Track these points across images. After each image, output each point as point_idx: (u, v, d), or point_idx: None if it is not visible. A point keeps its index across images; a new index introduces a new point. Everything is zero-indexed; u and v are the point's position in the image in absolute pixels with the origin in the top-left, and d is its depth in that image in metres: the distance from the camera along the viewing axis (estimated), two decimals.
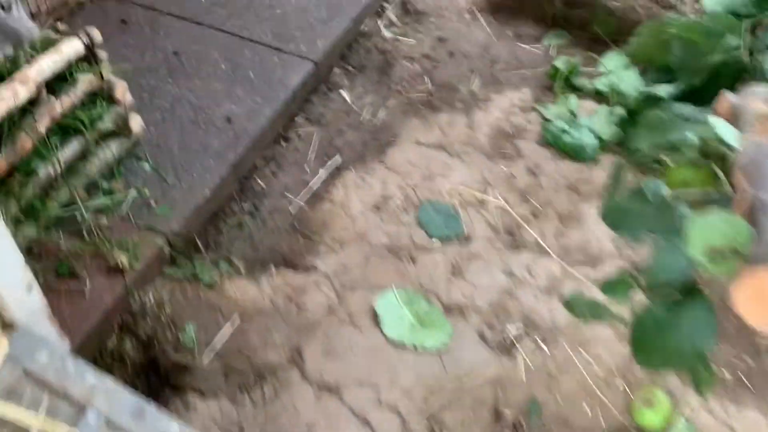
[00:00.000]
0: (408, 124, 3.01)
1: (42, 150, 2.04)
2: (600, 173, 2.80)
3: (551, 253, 2.51)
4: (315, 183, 2.73)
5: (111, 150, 2.35)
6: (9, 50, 2.03)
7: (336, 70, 3.24)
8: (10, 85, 1.91)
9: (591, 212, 2.65)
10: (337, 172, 2.79)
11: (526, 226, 2.60)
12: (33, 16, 2.91)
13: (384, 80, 3.24)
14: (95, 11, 3.07)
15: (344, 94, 3.14)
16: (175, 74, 2.81)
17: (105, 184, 2.34)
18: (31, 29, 2.08)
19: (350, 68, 3.29)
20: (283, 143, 2.87)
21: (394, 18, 3.57)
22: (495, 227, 2.60)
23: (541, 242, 2.55)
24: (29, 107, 2.00)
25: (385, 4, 3.61)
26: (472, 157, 2.86)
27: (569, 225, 2.61)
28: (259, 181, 2.72)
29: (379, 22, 3.53)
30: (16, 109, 1.94)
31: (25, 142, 1.98)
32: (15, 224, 2.02)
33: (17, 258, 1.61)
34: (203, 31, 3.04)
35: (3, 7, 2.00)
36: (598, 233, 2.57)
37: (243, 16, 3.14)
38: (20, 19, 2.06)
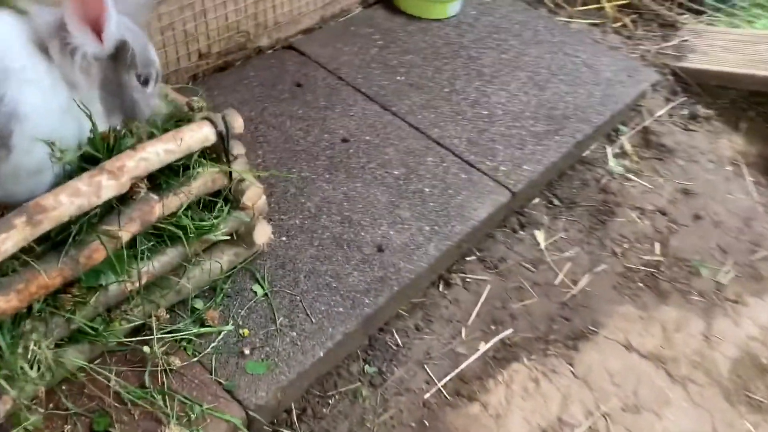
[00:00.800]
0: (618, 309, 2.16)
1: (117, 263, 1.48)
2: None
3: None
4: (468, 362, 1.98)
5: (220, 262, 1.77)
6: (116, 122, 1.50)
7: (535, 199, 2.48)
8: (92, 177, 1.36)
9: None
10: (501, 354, 2.01)
11: None
12: (201, 56, 2.47)
13: (597, 231, 2.41)
14: (272, 65, 2.57)
15: (539, 237, 2.37)
16: (336, 168, 2.20)
17: (199, 306, 1.76)
18: (153, 107, 1.55)
19: (555, 201, 2.50)
20: (441, 288, 2.16)
21: (628, 147, 2.74)
22: None
23: None
24: (117, 204, 1.45)
25: (622, 127, 2.79)
26: (702, 392, 1.95)
27: None
28: (397, 335, 2.01)
29: (607, 148, 2.71)
30: (95, 208, 1.40)
31: (97, 251, 1.42)
32: (58, 346, 1.48)
33: None
34: (386, 118, 2.41)
35: (140, 81, 1.48)
36: None
37: (439, 109, 2.48)
38: (148, 95, 1.52)
